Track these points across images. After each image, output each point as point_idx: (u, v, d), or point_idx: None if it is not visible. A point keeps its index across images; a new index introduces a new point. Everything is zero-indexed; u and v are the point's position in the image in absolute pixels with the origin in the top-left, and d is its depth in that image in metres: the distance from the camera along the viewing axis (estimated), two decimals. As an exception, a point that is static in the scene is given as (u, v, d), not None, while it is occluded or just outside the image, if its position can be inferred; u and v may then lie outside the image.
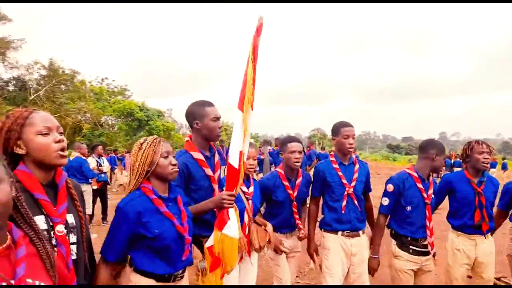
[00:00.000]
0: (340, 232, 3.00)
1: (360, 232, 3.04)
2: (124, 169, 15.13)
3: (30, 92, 24.68)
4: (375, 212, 3.23)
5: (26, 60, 25.93)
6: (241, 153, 2.25)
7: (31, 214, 1.17)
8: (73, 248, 1.55)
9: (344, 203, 2.99)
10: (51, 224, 1.47)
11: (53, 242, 1.45)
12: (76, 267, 1.54)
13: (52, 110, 23.04)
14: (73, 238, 1.56)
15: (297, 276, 4.37)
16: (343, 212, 2.98)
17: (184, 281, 2.04)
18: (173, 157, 1.98)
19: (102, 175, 7.95)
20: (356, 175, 3.06)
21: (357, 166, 3.13)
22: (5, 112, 21.52)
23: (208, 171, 2.49)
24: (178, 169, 1.98)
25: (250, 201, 2.81)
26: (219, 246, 2.16)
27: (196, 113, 2.51)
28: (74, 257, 1.54)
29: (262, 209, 3.25)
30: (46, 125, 1.49)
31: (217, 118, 2.50)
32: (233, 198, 2.23)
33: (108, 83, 33.63)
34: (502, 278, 4.42)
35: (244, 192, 2.83)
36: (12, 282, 1.00)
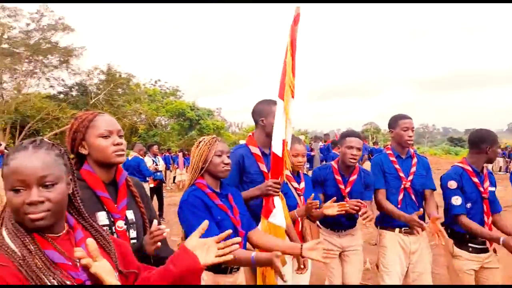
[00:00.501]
0: (397, 229, 2.87)
1: (419, 229, 2.88)
2: (177, 168, 15.70)
3: (91, 96, 26.38)
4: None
5: (87, 66, 27.74)
6: (284, 142, 2.31)
7: (91, 211, 1.27)
8: (133, 243, 1.62)
9: (401, 197, 2.87)
10: (112, 220, 1.55)
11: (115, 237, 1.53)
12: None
13: (111, 112, 24.45)
14: (133, 233, 1.63)
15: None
16: (399, 206, 2.86)
17: (240, 274, 2.10)
18: (228, 157, 2.04)
19: (158, 173, 8.31)
20: (414, 169, 2.93)
21: (415, 159, 2.99)
22: (70, 115, 23.43)
23: (263, 167, 2.52)
24: (230, 168, 2.03)
25: (301, 197, 2.79)
26: (265, 234, 2.20)
27: (263, 110, 2.57)
28: None
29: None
30: (108, 129, 1.58)
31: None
32: (279, 186, 2.28)
33: (161, 84, 35.04)
34: None
35: (295, 188, 2.82)
36: (77, 262, 1.07)
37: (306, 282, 2.83)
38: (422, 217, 2.90)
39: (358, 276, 3.05)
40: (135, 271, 1.22)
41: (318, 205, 2.52)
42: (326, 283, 3.05)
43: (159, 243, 1.54)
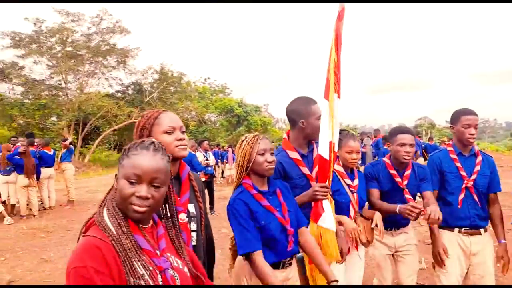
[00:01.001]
0: (457, 229, 2.73)
1: (482, 230, 2.74)
2: (227, 163, 16.04)
3: (146, 95, 27.66)
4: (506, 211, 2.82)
5: (141, 66, 29.11)
6: (331, 143, 2.22)
7: (174, 209, 1.41)
8: (193, 235, 1.72)
9: (461, 196, 2.71)
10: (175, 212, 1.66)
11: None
12: (196, 252, 1.69)
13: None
14: (193, 226, 1.73)
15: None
16: (459, 207, 2.71)
17: (293, 269, 2.11)
18: (271, 153, 2.01)
19: (209, 168, 8.57)
20: (477, 168, 2.75)
21: (479, 158, 2.80)
22: (127, 112, 24.75)
23: (305, 170, 2.43)
24: (274, 166, 2.01)
25: (355, 194, 2.72)
26: (316, 238, 2.16)
27: (302, 111, 2.44)
28: (194, 243, 1.71)
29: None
30: (171, 125, 1.68)
31: (320, 117, 2.41)
32: (326, 190, 2.21)
33: (210, 82, 35.93)
34: None
35: (348, 185, 2.77)
36: (158, 252, 1.22)
37: (360, 271, 2.76)
38: (484, 218, 2.75)
39: (413, 277, 2.93)
40: (202, 277, 1.35)
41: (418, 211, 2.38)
42: (375, 282, 2.99)
43: None
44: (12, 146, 8.49)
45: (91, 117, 24.78)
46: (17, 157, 7.97)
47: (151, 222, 1.29)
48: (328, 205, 2.22)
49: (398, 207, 2.52)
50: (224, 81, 46.11)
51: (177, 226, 1.42)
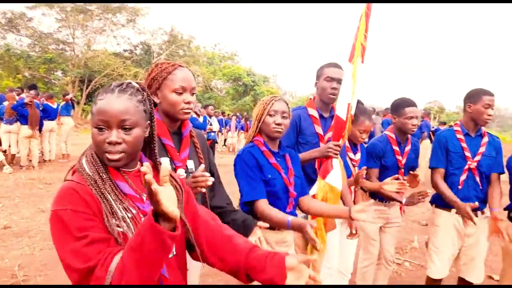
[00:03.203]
0: (454, 210, 2.70)
1: (479, 212, 2.70)
2: (229, 131, 16.01)
3: (153, 56, 27.32)
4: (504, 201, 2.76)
5: (151, 26, 28.57)
6: (349, 105, 2.29)
7: (156, 152, 1.30)
8: None
9: (463, 177, 2.67)
10: (173, 167, 1.63)
11: None
12: None
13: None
14: None
15: (397, 253, 4.15)
16: (460, 187, 2.67)
17: (290, 233, 2.10)
18: (283, 117, 2.00)
19: (212, 133, 8.52)
20: (482, 149, 2.69)
21: (485, 139, 2.74)
22: (133, 73, 24.56)
23: (319, 129, 2.51)
24: (281, 130, 1.99)
25: (356, 168, 2.74)
26: (322, 193, 2.24)
27: (317, 72, 2.57)
28: None
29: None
30: (182, 85, 1.62)
31: (331, 79, 2.46)
32: (339, 148, 2.26)
33: (220, 48, 35.32)
34: None
35: (351, 159, 2.76)
36: (144, 196, 1.17)
37: (352, 251, 2.81)
38: (483, 201, 2.71)
39: (393, 246, 3.05)
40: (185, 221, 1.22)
41: (364, 175, 2.50)
42: (362, 253, 3.01)
43: (201, 189, 1.59)
44: (16, 96, 8.45)
45: (97, 75, 24.57)
46: (21, 107, 7.94)
47: (138, 165, 1.23)
48: (337, 164, 2.29)
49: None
50: (234, 48, 45.40)
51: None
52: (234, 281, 1.31)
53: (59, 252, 1.02)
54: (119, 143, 1.11)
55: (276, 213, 1.88)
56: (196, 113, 7.86)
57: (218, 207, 1.86)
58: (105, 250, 1.00)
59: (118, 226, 1.06)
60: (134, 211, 1.12)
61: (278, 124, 1.98)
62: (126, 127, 1.12)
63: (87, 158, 1.16)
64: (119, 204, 1.09)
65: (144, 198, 1.17)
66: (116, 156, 1.11)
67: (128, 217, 1.09)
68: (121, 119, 1.11)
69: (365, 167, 2.56)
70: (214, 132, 8.78)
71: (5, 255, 3.78)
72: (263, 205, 1.90)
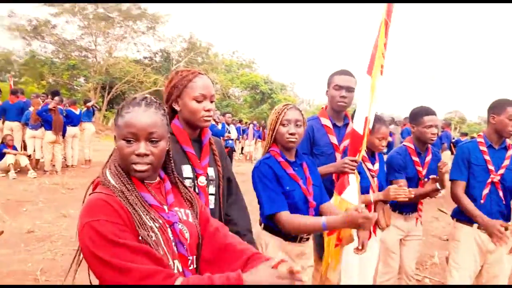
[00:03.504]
0: (476, 225, 2.63)
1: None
2: (247, 139, 16.05)
3: (173, 63, 27.73)
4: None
5: (171, 33, 29.04)
6: (366, 119, 2.24)
7: (178, 163, 1.38)
8: (211, 198, 1.72)
9: (486, 191, 2.60)
10: (195, 174, 1.65)
11: (196, 190, 1.63)
12: (213, 216, 1.70)
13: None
14: (212, 189, 1.72)
15: (417, 268, 4.07)
16: (482, 201, 2.61)
17: (310, 245, 2.10)
18: (297, 125, 1.96)
19: (230, 141, 8.57)
20: (507, 162, 2.63)
21: (510, 151, 2.67)
22: (153, 80, 24.96)
23: (333, 139, 2.49)
24: (295, 140, 1.96)
25: (375, 178, 2.69)
26: (338, 210, 2.17)
27: (328, 80, 2.56)
28: (212, 206, 1.71)
29: None
30: (202, 93, 1.64)
31: (340, 87, 2.46)
32: (355, 164, 2.22)
33: (238, 56, 35.58)
34: None
35: (369, 169, 2.72)
36: (165, 207, 1.21)
37: (373, 266, 2.76)
38: (506, 216, 2.65)
39: (415, 261, 3.02)
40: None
41: (406, 191, 2.41)
42: (381, 266, 2.97)
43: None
44: (41, 102, 8.71)
45: (117, 82, 25.08)
46: (45, 113, 8.18)
47: (158, 178, 1.28)
48: (354, 180, 2.25)
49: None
50: (252, 56, 45.68)
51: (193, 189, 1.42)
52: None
53: (101, 261, 1.00)
54: (147, 155, 1.15)
55: (305, 219, 1.84)
56: (214, 120, 7.93)
57: (237, 232, 1.79)
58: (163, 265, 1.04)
59: (148, 235, 1.09)
60: (160, 221, 1.15)
61: (291, 134, 1.95)
62: (153, 139, 1.17)
63: (111, 171, 1.19)
64: (146, 214, 1.13)
65: (166, 208, 1.21)
66: (144, 168, 1.15)
67: (156, 226, 1.13)
68: (150, 131, 1.15)
69: (401, 180, 2.61)
70: (232, 140, 8.84)
71: (28, 259, 3.89)
72: (287, 216, 1.86)
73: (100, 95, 25.10)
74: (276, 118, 1.99)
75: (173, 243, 1.17)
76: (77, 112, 9.55)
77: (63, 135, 8.83)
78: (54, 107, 8.14)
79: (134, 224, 1.08)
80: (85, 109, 10.01)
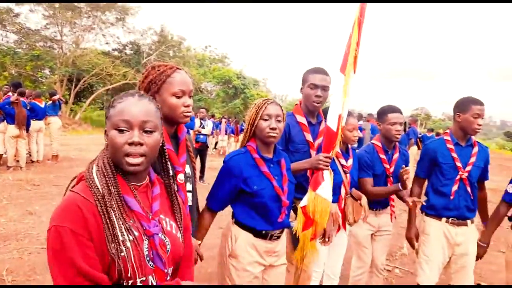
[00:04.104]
0: (444, 219, 2.75)
1: (468, 221, 2.75)
2: (219, 134, 15.97)
3: (143, 56, 27.08)
4: (490, 206, 2.86)
5: (141, 26, 28.32)
6: (339, 117, 2.25)
7: (169, 163, 1.32)
8: (189, 195, 1.70)
9: (455, 188, 2.70)
10: (174, 172, 1.61)
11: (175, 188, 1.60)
12: (190, 212, 1.70)
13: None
14: (189, 186, 1.71)
15: (387, 259, 4.20)
16: (452, 198, 2.71)
17: (281, 243, 2.10)
18: (278, 120, 1.95)
19: (201, 136, 8.47)
20: (473, 159, 2.73)
21: (475, 148, 2.78)
22: (122, 72, 24.27)
23: (308, 137, 2.51)
24: (276, 134, 1.94)
25: (347, 175, 2.74)
26: (312, 205, 2.22)
27: (303, 77, 2.56)
28: (189, 203, 1.70)
29: None
30: (182, 88, 1.61)
31: (315, 86, 2.47)
32: (329, 160, 2.24)
33: (211, 50, 35.25)
34: None
35: (342, 166, 2.77)
36: (150, 215, 1.15)
37: (341, 254, 2.89)
38: (472, 210, 2.77)
39: (385, 255, 3.13)
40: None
41: (409, 173, 2.54)
42: (354, 261, 3.06)
43: None
44: (3, 95, 8.28)
45: (85, 74, 24.21)
46: (8, 106, 7.79)
47: (146, 179, 1.21)
48: (328, 176, 2.27)
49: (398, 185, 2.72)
50: (224, 51, 45.43)
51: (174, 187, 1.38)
52: None
53: (52, 269, 0.99)
54: (141, 144, 1.09)
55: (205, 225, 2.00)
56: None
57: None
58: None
59: (118, 250, 1.02)
60: (136, 234, 1.08)
61: (272, 129, 1.92)
62: (148, 129, 1.11)
63: (98, 167, 1.11)
64: (122, 224, 1.05)
65: (151, 216, 1.14)
66: (137, 160, 1.09)
67: (129, 239, 1.05)
68: (144, 120, 1.11)
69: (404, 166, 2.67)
70: (205, 135, 8.73)
71: (-7, 258, 3.72)
72: (206, 214, 2.00)
73: (66, 87, 24.16)
74: (256, 112, 1.95)
75: (147, 258, 1.09)
76: (42, 106, 9.16)
77: (27, 129, 8.44)
78: (16, 99, 7.76)
79: (104, 236, 1.02)
80: (51, 102, 9.62)
